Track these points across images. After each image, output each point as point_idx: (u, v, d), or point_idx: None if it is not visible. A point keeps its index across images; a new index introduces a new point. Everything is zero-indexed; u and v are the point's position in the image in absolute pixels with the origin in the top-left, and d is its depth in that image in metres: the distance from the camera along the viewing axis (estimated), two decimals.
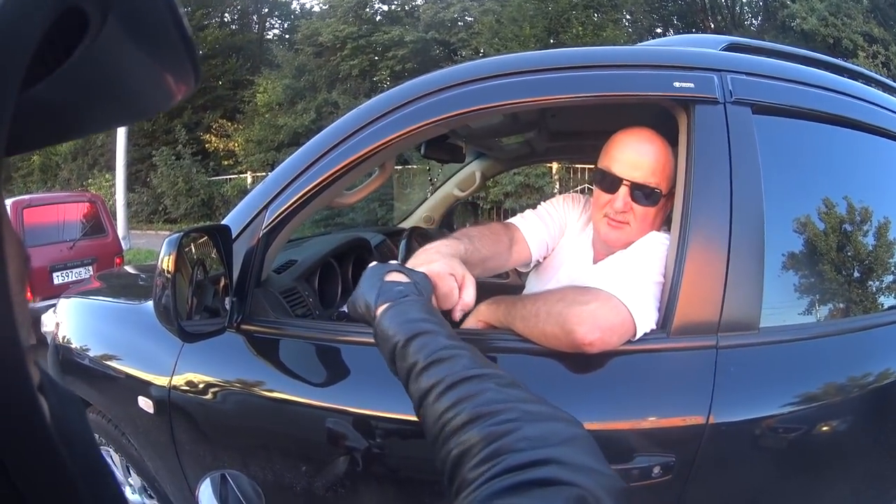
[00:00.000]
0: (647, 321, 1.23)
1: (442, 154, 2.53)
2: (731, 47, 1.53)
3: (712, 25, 16.14)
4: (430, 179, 2.93)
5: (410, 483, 1.41)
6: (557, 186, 11.56)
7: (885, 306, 1.55)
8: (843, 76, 1.61)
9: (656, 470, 1.20)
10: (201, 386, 1.51)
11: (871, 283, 1.55)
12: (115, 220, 9.88)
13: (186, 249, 1.44)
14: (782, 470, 1.33)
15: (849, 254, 1.48)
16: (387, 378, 1.32)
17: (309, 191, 1.43)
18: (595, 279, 1.34)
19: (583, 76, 1.38)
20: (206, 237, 1.44)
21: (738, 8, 16.44)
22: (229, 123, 17.79)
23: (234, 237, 1.49)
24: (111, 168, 14.17)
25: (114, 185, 11.57)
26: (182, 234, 1.35)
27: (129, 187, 14.13)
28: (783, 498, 1.36)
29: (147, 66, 0.33)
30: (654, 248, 1.37)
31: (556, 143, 2.70)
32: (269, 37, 23.09)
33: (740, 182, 1.27)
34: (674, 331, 1.24)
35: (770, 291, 1.28)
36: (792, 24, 13.14)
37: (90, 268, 6.37)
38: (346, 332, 1.47)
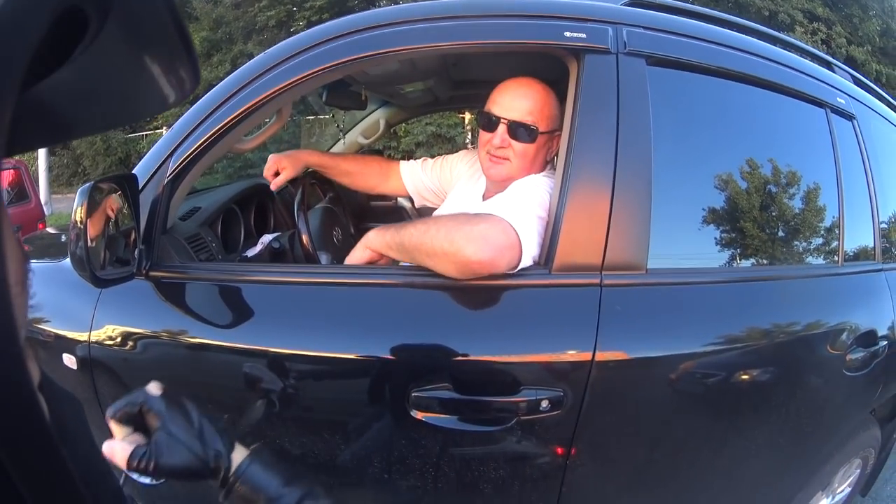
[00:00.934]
0: (531, 250, 1.28)
1: (343, 101, 2.57)
2: (634, 3, 1.57)
3: None
4: (338, 126, 2.93)
5: (322, 421, 1.46)
6: (470, 136, 11.67)
7: (775, 260, 1.65)
8: (752, 37, 1.69)
9: (544, 404, 1.25)
10: (117, 336, 1.54)
11: (763, 235, 1.61)
12: (38, 185, 9.58)
13: (101, 203, 1.45)
14: (669, 407, 1.41)
15: (743, 205, 1.55)
16: (287, 316, 1.43)
17: (209, 137, 1.46)
18: (491, 205, 1.44)
19: (473, 24, 1.42)
20: (117, 189, 1.45)
21: None
22: None
23: (140, 187, 1.51)
24: None
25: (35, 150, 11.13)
26: (91, 184, 1.37)
27: (51, 151, 13.65)
28: (672, 434, 1.45)
29: (147, 66, 0.34)
30: (537, 185, 1.45)
31: (459, 91, 2.79)
32: None
33: (628, 128, 1.32)
34: (556, 268, 1.29)
35: (660, 236, 1.34)
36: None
37: (17, 234, 6.14)
38: (247, 272, 1.55)
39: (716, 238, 1.53)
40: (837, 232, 1.70)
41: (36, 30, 0.25)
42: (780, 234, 1.68)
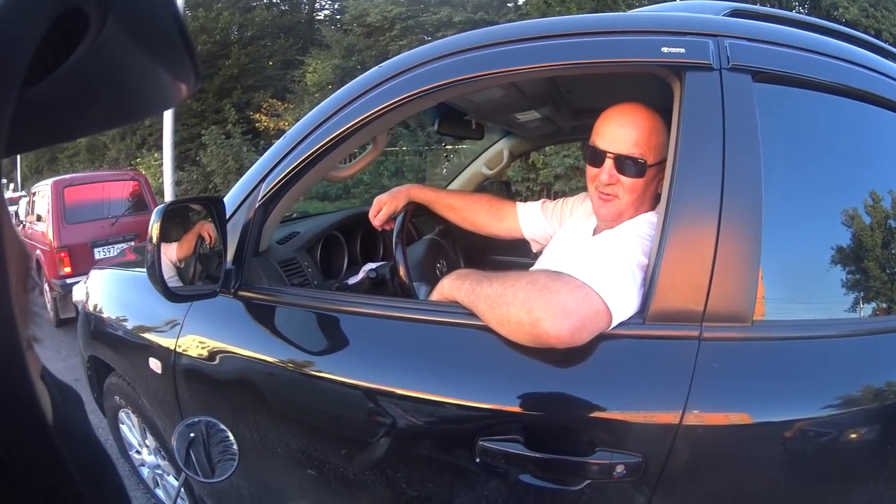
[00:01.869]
0: (624, 310, 1.14)
1: (457, 130, 2.56)
2: (735, 13, 1.45)
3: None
4: (446, 156, 2.97)
5: (387, 456, 1.40)
6: None
7: None
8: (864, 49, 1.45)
9: (619, 469, 1.11)
10: (201, 348, 1.61)
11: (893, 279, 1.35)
12: (164, 198, 10.19)
13: (195, 224, 1.55)
14: (765, 481, 1.19)
15: (867, 244, 1.30)
16: (366, 348, 1.41)
17: (300, 163, 1.50)
18: (588, 251, 1.36)
19: (562, 44, 1.34)
20: (202, 209, 1.54)
21: None
22: (279, 103, 17.98)
23: (234, 210, 1.59)
24: (160, 147, 14.50)
25: (162, 163, 11.86)
26: (167, 204, 1.47)
27: (179, 166, 14.45)
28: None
29: (147, 66, 0.34)
30: (641, 228, 1.35)
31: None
32: (319, 17, 23.29)
33: (735, 156, 1.16)
34: (650, 317, 1.14)
35: (770, 282, 1.17)
36: (835, 14, 12.91)
37: (132, 243, 6.53)
38: (338, 301, 1.52)
39: (838, 284, 1.28)
40: None
41: (36, 30, 0.26)
42: None
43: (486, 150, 3.18)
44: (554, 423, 1.21)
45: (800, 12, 15.33)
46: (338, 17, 21.40)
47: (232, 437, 1.38)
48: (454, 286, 1.34)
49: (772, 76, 1.23)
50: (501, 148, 3.12)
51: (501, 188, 3.44)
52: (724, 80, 1.20)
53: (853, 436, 1.17)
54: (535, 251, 1.99)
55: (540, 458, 1.17)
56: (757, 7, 1.70)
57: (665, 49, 1.24)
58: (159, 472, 2.53)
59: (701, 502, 1.22)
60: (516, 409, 1.19)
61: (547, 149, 10.21)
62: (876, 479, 1.20)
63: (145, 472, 2.70)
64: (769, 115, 1.20)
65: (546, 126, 2.75)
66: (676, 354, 1.13)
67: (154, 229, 1.41)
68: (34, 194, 7.95)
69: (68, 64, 0.29)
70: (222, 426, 1.38)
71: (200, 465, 1.38)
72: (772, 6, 15.08)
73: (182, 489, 1.44)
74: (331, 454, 1.46)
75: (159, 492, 2.66)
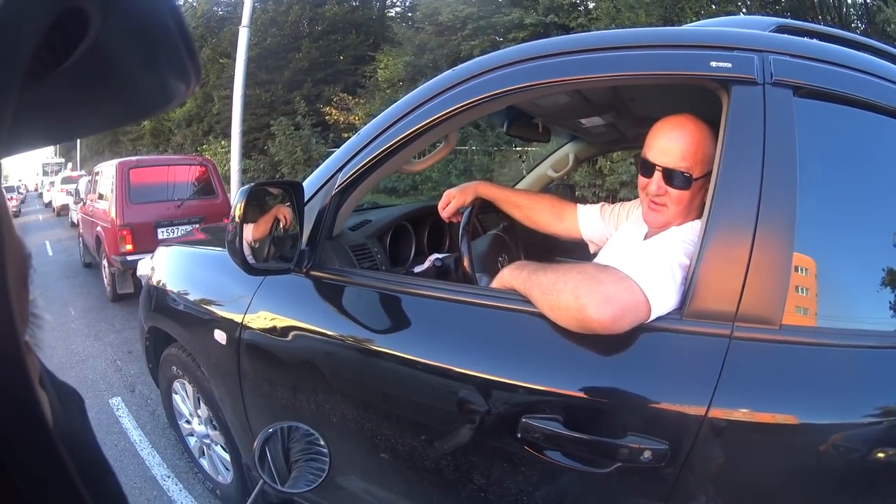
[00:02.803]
0: (663, 305, 1.23)
1: (524, 133, 2.65)
2: (782, 28, 1.49)
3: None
4: (521, 157, 3.03)
5: (436, 428, 1.52)
6: None
7: None
8: None
9: (647, 454, 1.19)
10: (269, 322, 1.73)
11: None
12: (231, 184, 10.47)
13: (273, 207, 1.66)
14: (781, 478, 1.24)
15: None
16: (430, 328, 1.52)
17: (376, 157, 1.60)
18: (635, 251, 1.46)
19: (618, 56, 1.41)
20: (285, 194, 1.64)
21: (844, 9, 15.62)
22: (350, 97, 18.17)
23: (311, 196, 1.70)
24: (227, 135, 14.78)
25: (230, 151, 12.14)
26: (252, 185, 1.60)
27: (246, 154, 14.69)
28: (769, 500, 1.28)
29: (147, 65, 0.34)
30: (686, 234, 1.42)
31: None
32: (390, 14, 23.47)
33: (773, 169, 1.22)
34: (687, 313, 1.22)
35: (802, 289, 1.22)
36: (888, 29, 12.53)
37: (198, 226, 6.69)
38: (404, 283, 1.63)
39: (869, 296, 1.30)
40: None
41: (36, 29, 0.26)
42: None
43: (553, 153, 3.26)
44: (591, 406, 1.29)
45: (859, 26, 14.96)
46: (409, 14, 21.52)
47: (322, 441, 1.41)
48: (513, 275, 1.43)
49: (812, 92, 1.27)
50: (568, 152, 3.19)
51: (566, 191, 3.49)
52: (766, 94, 1.25)
53: (869, 446, 1.20)
54: (592, 252, 2.04)
55: (575, 438, 1.26)
56: (803, 23, 1.71)
57: (713, 63, 1.30)
58: (207, 441, 2.66)
59: (720, 494, 1.26)
60: (559, 390, 1.29)
61: (614, 155, 10.23)
62: (883, 490, 1.22)
63: (192, 441, 2.84)
64: (808, 130, 1.25)
65: (610, 132, 2.81)
66: (708, 350, 1.20)
67: (238, 208, 1.53)
68: (96, 174, 8.26)
69: (68, 64, 0.29)
70: (309, 429, 1.43)
71: (277, 468, 1.39)
72: (832, 21, 14.78)
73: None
74: (384, 425, 1.56)
75: (204, 461, 2.80)
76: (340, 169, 1.68)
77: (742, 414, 1.17)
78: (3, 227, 0.27)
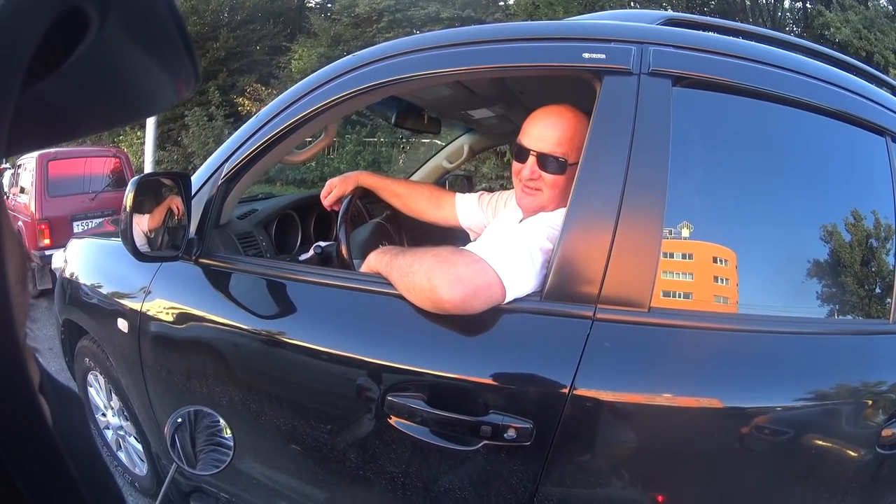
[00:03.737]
0: (519, 287, 1.28)
1: (413, 124, 2.77)
2: (671, 22, 1.54)
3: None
4: (402, 148, 3.13)
5: (310, 408, 1.60)
6: None
7: (810, 311, 1.39)
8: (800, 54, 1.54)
9: (510, 432, 1.22)
10: (165, 310, 1.80)
11: (794, 280, 1.39)
12: None
13: (166, 197, 1.74)
14: (648, 458, 1.30)
15: (777, 245, 1.41)
16: (306, 311, 1.61)
17: (259, 146, 1.68)
18: (497, 236, 1.56)
19: (491, 49, 1.47)
20: (171, 183, 1.73)
21: (779, 13, 15.99)
22: (263, 88, 17.84)
23: (199, 186, 1.78)
24: (143, 126, 14.38)
25: (144, 143, 11.85)
26: (141, 176, 1.67)
27: (161, 146, 14.33)
28: (648, 487, 1.34)
29: (147, 66, 0.34)
30: (553, 219, 1.45)
31: None
32: (309, 5, 23.12)
33: (641, 155, 1.25)
34: (546, 295, 1.27)
35: (675, 274, 1.29)
36: (826, 34, 12.82)
37: (109, 218, 6.52)
38: (284, 270, 1.71)
39: (744, 280, 1.34)
40: (891, 281, 1.41)
41: (36, 29, 0.26)
42: (818, 281, 1.39)
43: (448, 144, 3.37)
44: (453, 385, 1.32)
45: (793, 30, 15.30)
46: (328, 5, 21.25)
47: (224, 424, 1.49)
48: (377, 259, 1.50)
49: (695, 81, 1.32)
50: (462, 143, 3.32)
51: (464, 182, 3.60)
52: (641, 84, 1.29)
53: (737, 427, 1.26)
54: (472, 240, 2.06)
55: (437, 415, 1.31)
56: (693, 16, 1.82)
57: (586, 55, 1.35)
58: (122, 433, 2.68)
59: (593, 472, 1.32)
60: (422, 369, 1.34)
61: None
62: (748, 468, 1.29)
63: (109, 434, 2.84)
64: (688, 118, 1.32)
65: (504, 124, 2.89)
66: (570, 331, 1.25)
67: (128, 198, 1.60)
68: (19, 167, 7.95)
69: (68, 64, 0.29)
70: (214, 414, 1.50)
71: (185, 453, 1.46)
72: (764, 24, 15.06)
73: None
74: (268, 407, 1.64)
75: (121, 454, 2.80)
76: (227, 160, 1.75)
77: (609, 394, 1.22)
78: (3, 227, 0.28)
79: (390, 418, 1.36)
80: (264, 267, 1.77)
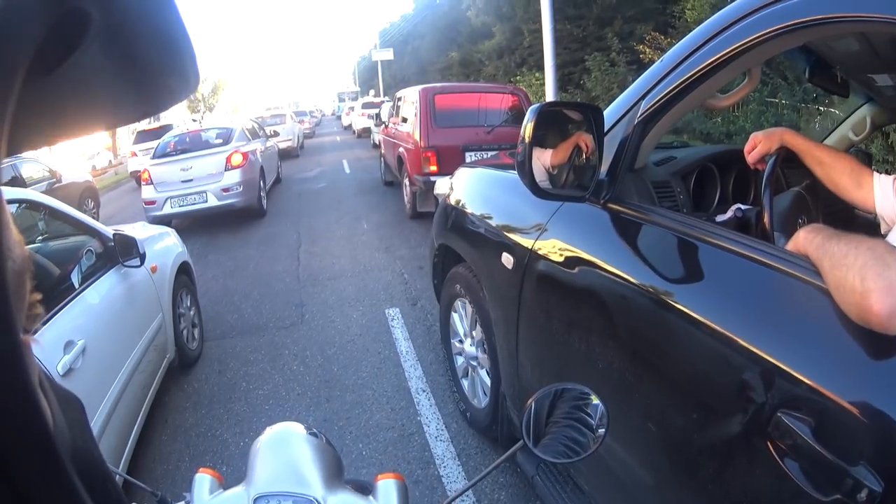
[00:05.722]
0: None
1: (824, 82, 2.45)
2: None
3: None
4: (818, 108, 2.75)
5: (686, 401, 1.36)
6: None
7: None
8: None
9: (862, 494, 0.94)
10: (559, 251, 1.71)
11: None
12: None
13: (573, 133, 1.61)
14: None
15: None
16: (720, 285, 1.36)
17: (678, 86, 1.50)
18: None
19: None
20: (579, 116, 1.59)
21: None
22: (662, 37, 17.68)
23: (612, 124, 1.64)
24: (540, 67, 15.08)
25: (544, 84, 12.40)
26: (542, 104, 1.55)
27: (562, 87, 14.92)
28: None
29: (148, 66, 0.35)
30: None
31: None
32: None
33: None
34: None
35: None
36: None
37: (508, 151, 6.94)
38: (706, 231, 1.43)
39: None
40: None
41: (37, 29, 0.26)
42: None
43: (852, 113, 2.91)
44: (839, 418, 1.01)
45: None
46: None
47: (593, 405, 1.04)
48: (808, 238, 1.21)
49: None
50: (865, 114, 2.84)
51: (864, 159, 3.10)
52: None
53: None
54: (882, 232, 1.62)
55: (814, 450, 1.01)
56: None
57: None
58: (474, 363, 2.77)
59: None
60: (821, 387, 1.04)
61: None
62: None
63: (459, 361, 2.99)
64: None
65: None
66: None
67: (527, 129, 1.51)
68: (399, 99, 8.87)
69: (69, 63, 0.29)
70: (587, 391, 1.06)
71: (536, 425, 1.04)
72: None
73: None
74: (646, 382, 1.46)
75: (465, 382, 2.94)
76: (643, 98, 1.59)
77: None
78: (3, 226, 0.28)
79: (770, 442, 1.08)
80: (679, 223, 1.51)
